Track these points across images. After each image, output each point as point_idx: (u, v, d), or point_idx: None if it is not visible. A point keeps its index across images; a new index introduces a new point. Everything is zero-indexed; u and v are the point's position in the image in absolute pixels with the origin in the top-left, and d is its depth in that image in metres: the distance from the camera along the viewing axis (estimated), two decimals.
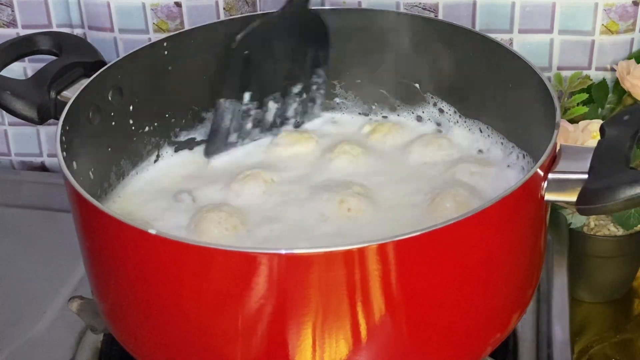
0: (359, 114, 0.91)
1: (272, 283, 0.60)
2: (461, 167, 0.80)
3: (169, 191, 0.81)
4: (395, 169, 0.83)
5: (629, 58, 0.98)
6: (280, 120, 0.88)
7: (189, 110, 0.87)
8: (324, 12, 0.88)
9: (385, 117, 0.90)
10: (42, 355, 0.84)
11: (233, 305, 0.62)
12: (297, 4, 0.83)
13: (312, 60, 0.87)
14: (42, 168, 1.15)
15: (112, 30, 1.03)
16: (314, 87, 0.89)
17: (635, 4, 0.97)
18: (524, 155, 0.80)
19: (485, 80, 0.82)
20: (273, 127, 0.88)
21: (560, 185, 0.67)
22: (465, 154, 0.84)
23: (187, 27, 1.01)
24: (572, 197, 0.66)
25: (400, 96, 0.89)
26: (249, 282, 0.60)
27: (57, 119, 0.73)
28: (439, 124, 0.88)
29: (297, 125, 0.89)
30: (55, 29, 1.05)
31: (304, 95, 0.88)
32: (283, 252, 0.59)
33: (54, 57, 0.84)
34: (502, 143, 0.83)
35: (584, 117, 0.94)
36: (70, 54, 0.83)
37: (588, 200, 0.65)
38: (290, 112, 0.88)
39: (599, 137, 0.69)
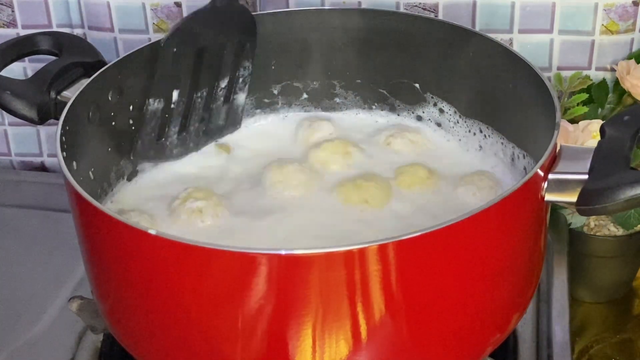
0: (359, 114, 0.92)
1: (272, 283, 0.60)
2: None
3: (169, 191, 0.81)
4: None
5: (629, 58, 0.98)
6: (204, 129, 0.85)
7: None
8: (323, 12, 0.88)
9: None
10: (42, 355, 0.84)
11: (233, 305, 0.62)
12: None
13: (239, 53, 0.84)
14: (42, 168, 1.15)
15: (112, 30, 1.03)
16: (240, 80, 0.86)
17: (635, 4, 0.97)
18: (524, 155, 0.80)
19: (486, 80, 0.82)
20: (200, 133, 0.85)
21: (561, 186, 0.67)
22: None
23: None
24: (573, 198, 0.66)
25: (400, 96, 0.89)
26: (249, 282, 0.60)
27: (57, 119, 0.73)
28: (439, 124, 0.88)
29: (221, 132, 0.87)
30: (55, 29, 1.05)
31: (231, 90, 0.85)
32: (283, 252, 0.59)
33: (54, 57, 0.84)
34: (502, 143, 0.83)
35: (584, 117, 0.94)
36: (71, 54, 0.83)
37: (588, 201, 0.65)
38: (214, 117, 0.85)
39: (599, 137, 0.69)
